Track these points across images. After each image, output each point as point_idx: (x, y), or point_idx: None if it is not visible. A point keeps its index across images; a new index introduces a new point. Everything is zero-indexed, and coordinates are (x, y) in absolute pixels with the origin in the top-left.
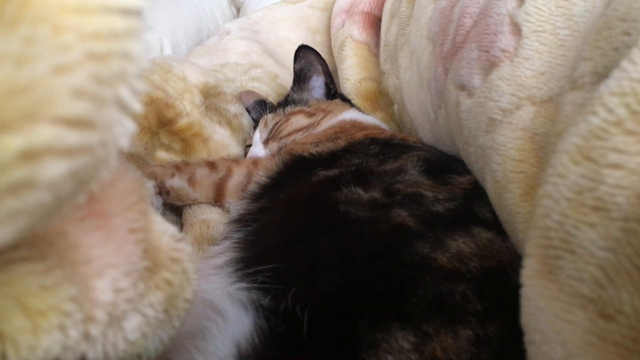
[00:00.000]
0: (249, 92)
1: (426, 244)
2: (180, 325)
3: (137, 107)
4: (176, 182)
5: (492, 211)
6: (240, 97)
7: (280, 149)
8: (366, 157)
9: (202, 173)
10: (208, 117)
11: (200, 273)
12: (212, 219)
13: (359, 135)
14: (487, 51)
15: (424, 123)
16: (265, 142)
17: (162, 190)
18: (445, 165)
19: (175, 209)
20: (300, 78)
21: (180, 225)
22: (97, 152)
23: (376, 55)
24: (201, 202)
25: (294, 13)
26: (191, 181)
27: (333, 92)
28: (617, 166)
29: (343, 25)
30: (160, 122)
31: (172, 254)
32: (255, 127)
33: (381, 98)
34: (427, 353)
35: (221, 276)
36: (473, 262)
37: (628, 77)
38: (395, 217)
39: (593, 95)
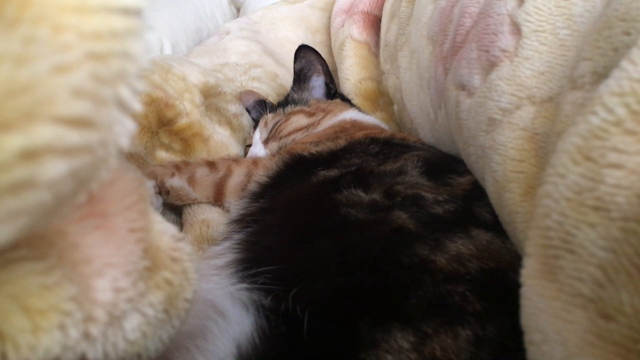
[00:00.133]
0: (249, 92)
1: (426, 246)
2: (180, 325)
3: (137, 106)
4: (176, 181)
5: (492, 212)
6: (240, 96)
7: (280, 148)
8: (366, 156)
9: (202, 173)
10: (208, 117)
11: (201, 273)
12: (212, 218)
13: (359, 134)
14: (487, 51)
15: (424, 123)
16: (265, 142)
17: (162, 190)
18: (445, 165)
19: (175, 209)
20: (300, 78)
21: (180, 225)
22: (97, 152)
23: (376, 55)
24: (201, 202)
25: (293, 13)
26: (191, 181)
27: (333, 92)
28: (617, 166)
29: (343, 25)
30: (160, 122)
31: (172, 253)
32: (255, 127)
33: (381, 98)
34: (427, 353)
35: (222, 277)
36: (472, 263)
37: (628, 76)
38: (395, 220)
39: (593, 95)
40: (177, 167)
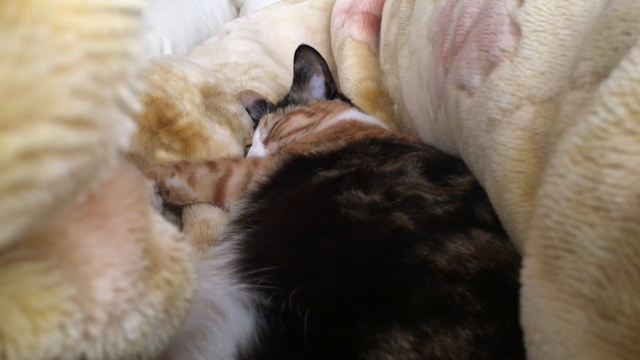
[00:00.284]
0: (249, 92)
1: (426, 247)
2: (180, 325)
3: (137, 106)
4: (176, 181)
5: (491, 212)
6: (240, 96)
7: (280, 148)
8: (366, 157)
9: (202, 173)
10: (208, 117)
11: (201, 273)
12: (212, 218)
13: (359, 135)
14: (487, 51)
15: (423, 123)
16: (265, 142)
17: (162, 190)
18: (445, 165)
19: (175, 209)
20: (300, 78)
21: (180, 225)
22: (97, 152)
23: (376, 55)
24: (201, 202)
25: (293, 13)
26: (191, 181)
27: (333, 91)
28: (616, 166)
29: (343, 25)
30: (160, 122)
31: (172, 253)
32: (255, 127)
33: (381, 98)
34: (427, 352)
35: (222, 277)
36: (472, 263)
37: (628, 77)
38: (395, 221)
39: (593, 95)
40: (177, 167)
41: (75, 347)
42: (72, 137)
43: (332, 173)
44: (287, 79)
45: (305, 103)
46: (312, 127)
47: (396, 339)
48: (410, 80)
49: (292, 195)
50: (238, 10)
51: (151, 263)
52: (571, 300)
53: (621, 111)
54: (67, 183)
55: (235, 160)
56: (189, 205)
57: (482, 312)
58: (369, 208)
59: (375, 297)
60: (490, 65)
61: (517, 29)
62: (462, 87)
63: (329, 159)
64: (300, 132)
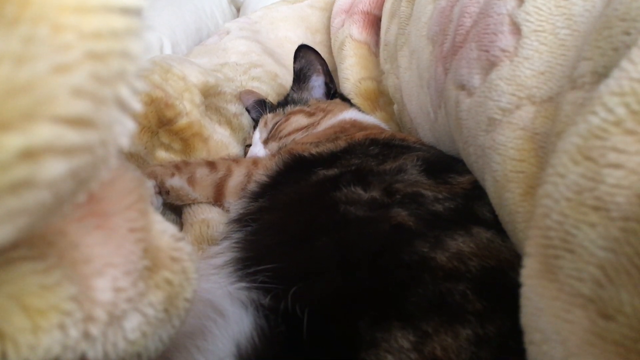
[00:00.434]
0: (249, 92)
1: (426, 244)
2: (180, 325)
3: (137, 106)
4: (176, 181)
5: (492, 211)
6: (240, 96)
7: (280, 148)
8: (366, 157)
9: (202, 173)
10: (208, 117)
11: (200, 273)
12: (212, 218)
13: (359, 135)
14: (487, 51)
15: (423, 123)
16: (265, 142)
17: (162, 190)
18: (445, 164)
19: (175, 209)
20: (300, 78)
21: (180, 225)
22: (97, 152)
23: (376, 54)
24: (201, 202)
25: (293, 13)
26: (191, 181)
27: (333, 91)
28: (616, 166)
29: (343, 25)
30: (160, 122)
31: (172, 253)
32: (255, 127)
33: (381, 98)
34: (427, 352)
35: (221, 276)
36: (473, 261)
37: (628, 76)
38: (395, 217)
39: (593, 95)
40: (177, 167)
41: (75, 346)
42: (72, 136)
43: (332, 172)
44: (287, 78)
45: (305, 103)
46: (312, 127)
47: (396, 339)
48: (410, 80)
49: (291, 194)
50: (238, 10)
51: (151, 263)
52: (571, 300)
53: (621, 111)
54: (67, 183)
55: (235, 160)
56: (189, 205)
57: (483, 311)
58: (368, 204)
59: (375, 296)
60: (490, 65)
61: (517, 29)
62: (462, 87)
63: (329, 159)
64: (300, 132)
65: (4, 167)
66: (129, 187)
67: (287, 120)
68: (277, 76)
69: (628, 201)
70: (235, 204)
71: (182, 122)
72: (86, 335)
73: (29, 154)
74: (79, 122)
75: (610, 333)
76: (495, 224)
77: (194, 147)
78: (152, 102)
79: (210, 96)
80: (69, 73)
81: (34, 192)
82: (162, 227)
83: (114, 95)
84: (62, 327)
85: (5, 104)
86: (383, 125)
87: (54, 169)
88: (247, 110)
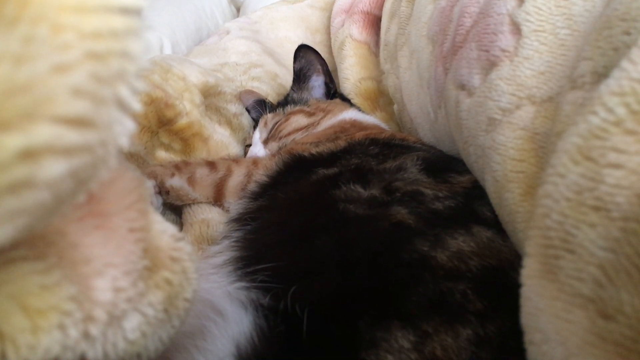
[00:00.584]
0: (249, 92)
1: (426, 242)
2: (180, 325)
3: (137, 106)
4: (176, 181)
5: (492, 210)
6: (240, 96)
7: (280, 148)
8: (366, 157)
9: (201, 173)
10: (208, 117)
11: (200, 272)
12: (211, 218)
13: (359, 135)
14: (487, 51)
15: (423, 123)
16: (265, 142)
17: (162, 190)
18: (445, 164)
19: (175, 209)
20: (300, 77)
21: (180, 225)
22: (96, 152)
23: (376, 54)
24: (201, 202)
25: (293, 13)
26: (191, 181)
27: (333, 91)
28: (617, 166)
29: (343, 25)
30: (160, 122)
31: (171, 253)
32: (255, 127)
33: (381, 97)
34: (427, 352)
35: (221, 275)
36: (473, 260)
37: (628, 76)
38: (394, 215)
39: (593, 95)
40: (177, 167)
41: (75, 347)
42: (71, 136)
43: (332, 171)
44: (287, 78)
45: (305, 103)
46: (312, 127)
47: (396, 338)
48: (410, 80)
49: (291, 193)
50: (238, 10)
51: (151, 263)
52: (571, 300)
53: (621, 111)
54: (66, 183)
55: (235, 160)
56: (189, 205)
57: (483, 311)
58: (368, 202)
59: (375, 295)
60: (490, 65)
61: (517, 29)
62: (462, 86)
63: (328, 159)
64: (300, 132)
65: (4, 167)
66: (128, 187)
67: (287, 120)
68: (277, 76)
69: (628, 201)
70: (235, 204)
71: (182, 122)
72: (86, 336)
73: (29, 154)
74: (78, 122)
75: (610, 333)
76: (495, 224)
77: (194, 147)
78: (152, 102)
79: (210, 96)
80: (69, 73)
81: (33, 192)
82: (162, 227)
83: (114, 95)
84: (61, 327)
85: (5, 104)
86: (383, 125)
87: (54, 169)
88: (247, 110)
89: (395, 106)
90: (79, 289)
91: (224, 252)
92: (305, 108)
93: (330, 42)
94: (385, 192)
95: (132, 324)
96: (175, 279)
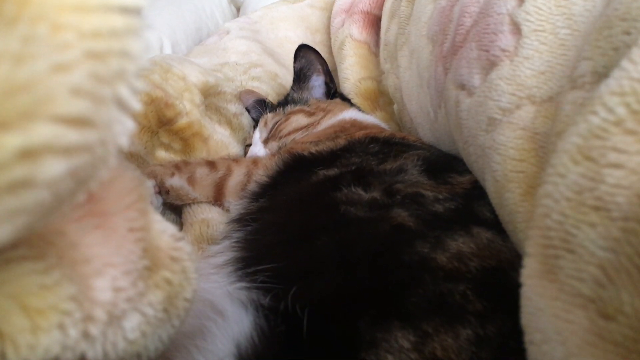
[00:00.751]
0: (249, 92)
1: (426, 244)
2: (180, 325)
3: (137, 106)
4: (176, 181)
5: (492, 211)
6: (240, 96)
7: (280, 148)
8: (366, 156)
9: (201, 172)
10: (208, 117)
11: (200, 272)
12: (211, 218)
13: (359, 134)
14: (487, 50)
15: (423, 122)
16: (265, 142)
17: (162, 190)
18: (445, 164)
19: (175, 209)
20: (300, 77)
21: (180, 225)
22: (96, 151)
23: (376, 54)
24: (201, 202)
25: (293, 12)
26: (191, 180)
27: (333, 91)
28: (617, 166)
29: (343, 25)
30: (159, 122)
31: (171, 253)
32: (255, 127)
33: (381, 97)
34: (427, 352)
35: (221, 275)
36: (473, 261)
37: (628, 76)
38: (395, 217)
39: (593, 95)
40: (177, 167)
41: (74, 346)
42: (71, 136)
43: (332, 172)
44: (287, 78)
45: (305, 103)
46: (312, 127)
47: (397, 339)
48: (410, 80)
49: (292, 193)
50: (238, 10)
51: (151, 262)
52: (571, 300)
53: (621, 111)
54: (66, 182)
55: (235, 159)
56: (189, 204)
57: (483, 312)
58: (369, 205)
59: (375, 296)
60: (490, 64)
61: (517, 29)
62: (462, 86)
63: (328, 158)
64: (300, 132)
65: (3, 166)
66: (128, 186)
67: (287, 119)
68: (277, 76)
69: (628, 201)
70: (235, 204)
71: (182, 121)
72: (86, 335)
73: (28, 154)
74: (78, 122)
75: (610, 333)
76: (495, 224)
77: (194, 147)
78: (152, 102)
79: (210, 96)
80: (69, 72)
81: (33, 192)
82: (162, 227)
83: (114, 94)
84: (61, 327)
85: (5, 104)
86: (383, 124)
87: (53, 168)
88: (247, 110)
89: (395, 106)
90: (78, 289)
91: (224, 253)
92: (306, 108)
93: (330, 42)
94: (386, 194)
95: (132, 324)
96: (175, 279)
